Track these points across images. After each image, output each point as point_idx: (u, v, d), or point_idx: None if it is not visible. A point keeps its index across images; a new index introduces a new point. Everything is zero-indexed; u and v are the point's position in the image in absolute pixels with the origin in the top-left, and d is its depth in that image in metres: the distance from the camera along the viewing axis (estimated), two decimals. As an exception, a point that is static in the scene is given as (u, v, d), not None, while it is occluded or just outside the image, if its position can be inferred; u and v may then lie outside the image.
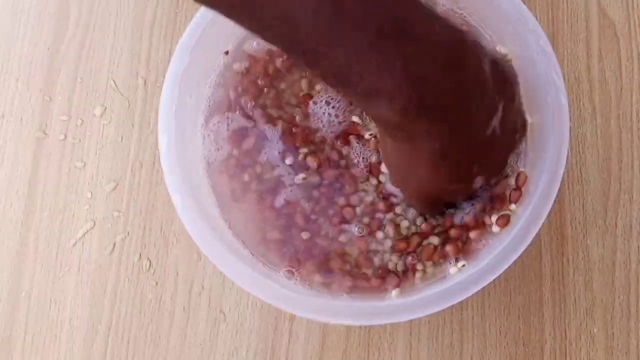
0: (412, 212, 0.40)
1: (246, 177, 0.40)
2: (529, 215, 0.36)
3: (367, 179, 0.40)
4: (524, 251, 0.36)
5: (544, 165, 0.37)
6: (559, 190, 0.37)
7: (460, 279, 0.35)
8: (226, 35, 0.42)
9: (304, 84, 0.42)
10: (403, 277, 0.39)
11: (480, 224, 0.39)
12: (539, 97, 0.38)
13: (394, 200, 0.40)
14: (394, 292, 0.38)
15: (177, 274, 0.46)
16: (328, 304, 0.35)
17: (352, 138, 0.41)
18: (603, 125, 0.48)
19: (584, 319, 0.45)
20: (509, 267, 0.36)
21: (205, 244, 0.36)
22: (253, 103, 0.41)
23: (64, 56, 0.50)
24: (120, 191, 0.47)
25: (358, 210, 0.40)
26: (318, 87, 0.42)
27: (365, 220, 0.40)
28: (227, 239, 0.38)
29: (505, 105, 0.33)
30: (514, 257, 0.36)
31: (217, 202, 0.40)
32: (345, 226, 0.39)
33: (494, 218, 0.39)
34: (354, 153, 0.41)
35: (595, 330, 0.45)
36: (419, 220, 0.40)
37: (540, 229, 0.36)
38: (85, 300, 0.46)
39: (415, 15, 0.28)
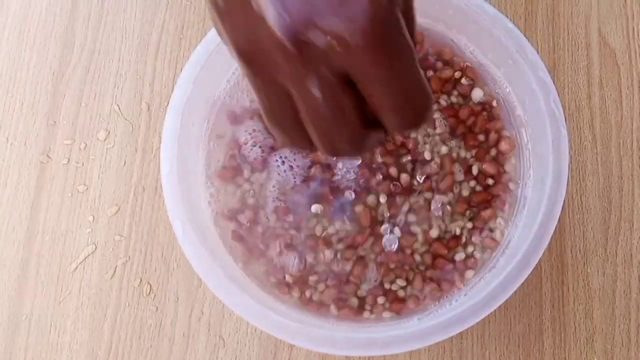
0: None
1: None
2: (529, 245, 0.36)
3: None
4: (524, 281, 0.36)
5: (544, 195, 0.37)
6: (559, 218, 0.37)
7: (459, 310, 0.35)
8: (230, 63, 0.42)
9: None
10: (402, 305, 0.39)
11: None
12: (538, 127, 0.39)
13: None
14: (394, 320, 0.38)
15: (177, 299, 0.46)
16: (327, 335, 0.35)
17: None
18: (604, 153, 0.49)
19: (584, 348, 0.45)
20: (509, 297, 0.36)
21: (204, 271, 0.36)
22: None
23: (69, 81, 0.50)
24: (122, 215, 0.48)
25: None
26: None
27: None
28: (228, 266, 0.38)
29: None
30: (514, 288, 0.36)
31: (219, 231, 0.40)
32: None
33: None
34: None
35: (595, 359, 0.45)
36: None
37: (540, 259, 0.36)
38: (85, 324, 0.46)
39: None
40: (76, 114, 0.50)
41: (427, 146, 0.41)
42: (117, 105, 0.50)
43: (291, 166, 0.41)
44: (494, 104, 0.42)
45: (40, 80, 0.50)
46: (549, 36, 0.51)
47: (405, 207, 0.40)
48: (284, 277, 0.40)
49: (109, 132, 0.49)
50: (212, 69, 0.40)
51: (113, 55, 0.51)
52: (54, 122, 0.49)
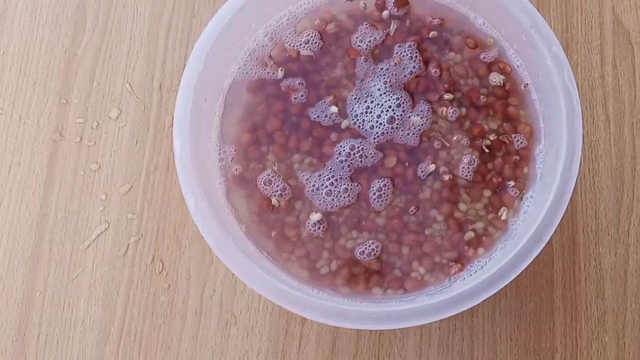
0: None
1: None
2: (541, 222, 0.36)
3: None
4: (535, 258, 0.36)
5: (557, 172, 0.37)
6: (572, 198, 0.37)
7: (471, 285, 0.35)
8: (242, 40, 0.42)
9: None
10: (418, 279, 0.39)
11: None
12: (552, 103, 0.38)
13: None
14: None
15: (190, 276, 0.46)
16: (340, 309, 0.35)
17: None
18: (616, 133, 0.48)
19: (595, 328, 0.45)
20: (520, 274, 0.35)
21: (217, 245, 0.36)
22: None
23: (81, 60, 0.50)
24: (135, 193, 0.48)
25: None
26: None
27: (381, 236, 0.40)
28: (239, 241, 0.38)
29: None
30: (525, 264, 0.35)
31: (231, 206, 0.40)
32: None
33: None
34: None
35: (606, 339, 0.45)
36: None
37: (552, 236, 0.36)
38: (98, 301, 0.46)
39: None
40: (88, 93, 0.50)
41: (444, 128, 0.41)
42: (129, 84, 0.50)
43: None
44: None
45: (53, 60, 0.50)
46: (562, 15, 0.51)
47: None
48: (294, 253, 0.40)
49: (121, 111, 0.49)
50: (224, 45, 0.40)
51: (125, 34, 0.51)
52: (66, 100, 0.50)
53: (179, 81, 0.39)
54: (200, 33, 0.40)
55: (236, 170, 0.41)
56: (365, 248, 0.39)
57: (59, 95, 0.50)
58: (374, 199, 0.40)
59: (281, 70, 0.42)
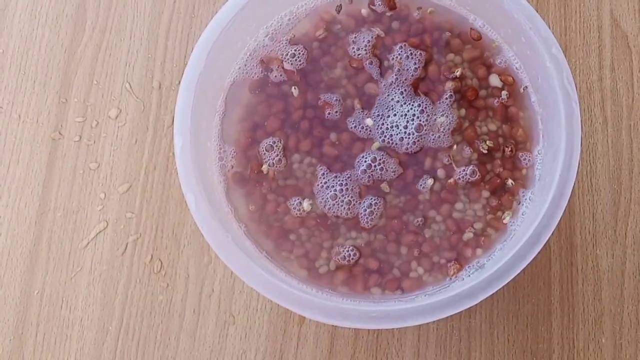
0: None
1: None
2: (539, 223, 0.36)
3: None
4: (533, 260, 0.36)
5: (555, 174, 0.37)
6: (570, 199, 0.37)
7: (469, 286, 0.35)
8: (242, 40, 0.42)
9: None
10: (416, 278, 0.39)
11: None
12: (551, 105, 0.39)
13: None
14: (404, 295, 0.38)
15: (188, 276, 0.46)
16: (339, 308, 0.35)
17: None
18: (614, 135, 0.49)
19: (592, 329, 0.45)
20: (518, 275, 0.36)
21: (217, 244, 0.36)
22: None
23: (81, 58, 0.50)
24: (134, 193, 0.48)
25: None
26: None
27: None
28: (239, 240, 0.38)
29: None
30: (523, 265, 0.36)
31: (231, 205, 0.40)
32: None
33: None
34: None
35: (603, 340, 0.45)
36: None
37: (550, 238, 0.36)
38: (96, 300, 0.46)
39: None
40: (88, 92, 0.50)
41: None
42: (129, 83, 0.50)
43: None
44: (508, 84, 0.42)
45: (52, 58, 0.50)
46: (561, 18, 0.51)
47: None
48: (293, 252, 0.40)
49: (120, 110, 0.49)
50: (224, 45, 0.40)
51: (124, 33, 0.51)
52: (66, 99, 0.50)
53: (179, 81, 0.39)
54: (200, 33, 0.40)
55: (232, 167, 0.41)
56: (345, 252, 0.39)
57: (59, 94, 0.50)
58: (365, 215, 0.40)
59: (295, 88, 0.42)
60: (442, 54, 0.42)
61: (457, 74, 0.41)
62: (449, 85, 0.41)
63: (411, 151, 0.41)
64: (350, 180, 0.40)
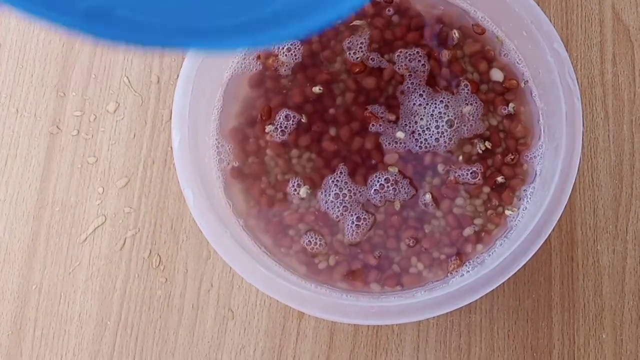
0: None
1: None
2: (539, 219, 0.36)
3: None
4: (533, 255, 0.36)
5: (556, 169, 0.37)
6: (570, 195, 0.37)
7: (469, 281, 0.35)
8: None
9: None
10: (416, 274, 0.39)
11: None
12: (552, 100, 0.38)
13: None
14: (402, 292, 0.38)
15: (187, 271, 0.46)
16: (338, 303, 0.35)
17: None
18: (615, 130, 0.48)
19: (593, 325, 0.45)
20: (518, 271, 0.35)
21: (215, 239, 0.36)
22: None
23: (79, 52, 0.50)
24: (132, 187, 0.48)
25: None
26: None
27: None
28: (238, 235, 0.38)
29: None
30: (524, 260, 0.35)
31: (229, 200, 0.40)
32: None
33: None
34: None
35: (604, 336, 0.45)
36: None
37: (550, 233, 0.36)
38: (94, 295, 0.46)
39: None
40: (86, 86, 0.49)
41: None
42: (127, 77, 0.50)
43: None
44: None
45: (50, 52, 0.50)
46: (562, 12, 0.50)
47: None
48: (292, 248, 0.40)
49: (119, 105, 0.49)
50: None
51: (123, 27, 0.50)
52: (64, 93, 0.49)
53: (177, 75, 0.39)
54: (199, 26, 0.39)
55: (230, 162, 0.41)
56: (311, 239, 0.39)
57: (57, 88, 0.49)
58: (351, 230, 0.40)
59: (303, 117, 0.42)
60: (443, 47, 0.42)
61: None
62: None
63: (451, 149, 0.40)
64: (361, 196, 0.40)
